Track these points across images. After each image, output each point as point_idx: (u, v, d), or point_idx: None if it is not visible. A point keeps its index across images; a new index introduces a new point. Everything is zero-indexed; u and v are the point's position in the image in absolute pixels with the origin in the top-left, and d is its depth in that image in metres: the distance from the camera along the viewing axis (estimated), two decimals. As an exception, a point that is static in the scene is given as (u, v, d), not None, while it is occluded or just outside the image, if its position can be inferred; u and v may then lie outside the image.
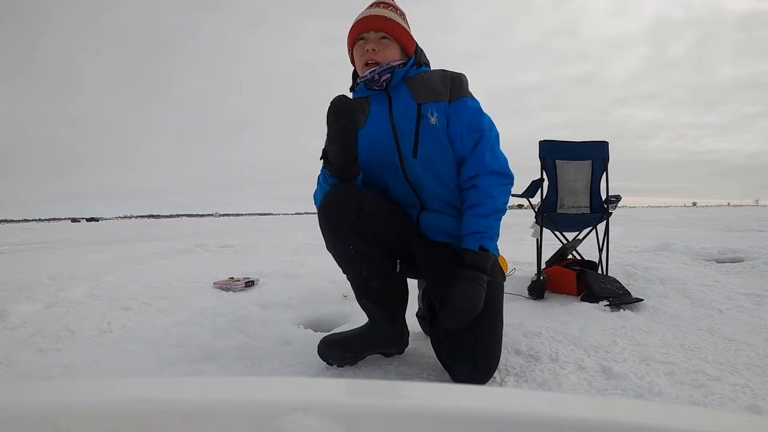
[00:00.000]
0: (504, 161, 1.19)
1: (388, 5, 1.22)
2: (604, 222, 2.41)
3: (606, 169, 2.45)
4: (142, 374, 1.23)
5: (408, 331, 1.31)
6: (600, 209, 2.45)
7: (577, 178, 2.47)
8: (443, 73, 1.24)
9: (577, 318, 1.68)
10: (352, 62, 1.25)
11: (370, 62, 1.18)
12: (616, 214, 3.48)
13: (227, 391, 0.32)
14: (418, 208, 1.23)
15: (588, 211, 2.47)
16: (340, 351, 1.20)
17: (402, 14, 1.23)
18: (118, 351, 1.43)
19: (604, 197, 2.46)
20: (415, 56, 1.24)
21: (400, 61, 1.21)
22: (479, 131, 1.18)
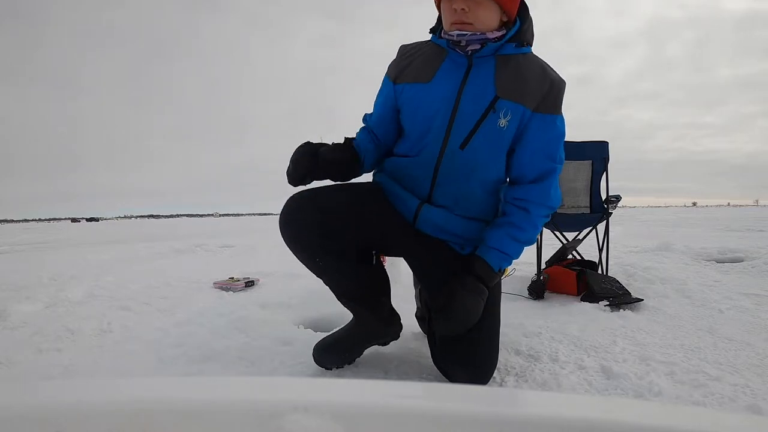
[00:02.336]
0: (558, 198, 1.12)
1: None
2: (604, 222, 2.41)
3: (606, 169, 2.45)
4: (142, 374, 1.23)
5: (398, 315, 1.23)
6: (600, 209, 2.45)
7: (577, 178, 2.47)
8: (543, 70, 1.06)
9: (577, 318, 1.68)
10: (437, 7, 1.06)
11: (459, 23, 0.99)
12: (616, 214, 3.47)
13: (227, 391, 0.32)
14: (420, 199, 1.11)
15: (588, 211, 2.47)
16: (333, 355, 1.18)
17: None
18: (118, 351, 1.43)
19: (604, 197, 2.46)
20: (518, 27, 1.03)
21: (498, 33, 1.01)
22: (552, 161, 1.08)
